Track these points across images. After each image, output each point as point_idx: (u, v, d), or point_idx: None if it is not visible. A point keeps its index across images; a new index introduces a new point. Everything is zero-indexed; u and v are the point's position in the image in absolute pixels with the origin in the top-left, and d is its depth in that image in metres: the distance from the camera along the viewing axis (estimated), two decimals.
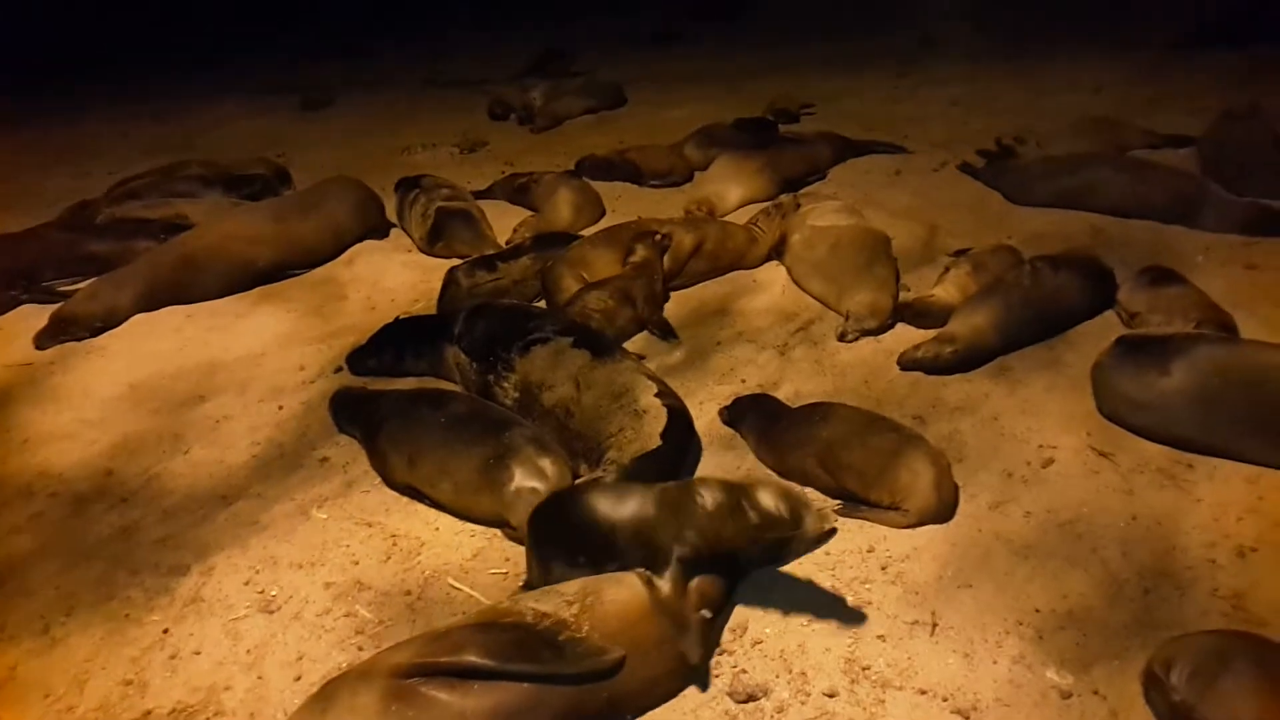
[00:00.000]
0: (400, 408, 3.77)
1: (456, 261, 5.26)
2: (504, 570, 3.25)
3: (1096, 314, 4.35)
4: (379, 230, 6.28)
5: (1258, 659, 2.31)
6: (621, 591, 2.65)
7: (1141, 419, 3.52)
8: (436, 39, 14.94)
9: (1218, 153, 5.67)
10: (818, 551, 2.88)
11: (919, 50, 10.41)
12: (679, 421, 3.59)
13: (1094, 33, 9.79)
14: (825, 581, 3.01)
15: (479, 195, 6.64)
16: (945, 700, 2.56)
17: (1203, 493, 3.24)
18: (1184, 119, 6.61)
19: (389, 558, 3.33)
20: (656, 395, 3.63)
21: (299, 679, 2.83)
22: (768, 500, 2.65)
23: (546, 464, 3.37)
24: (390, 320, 4.75)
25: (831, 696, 2.60)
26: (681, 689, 2.66)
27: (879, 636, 2.80)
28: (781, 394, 4.03)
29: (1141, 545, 3.06)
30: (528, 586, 2.98)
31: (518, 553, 3.31)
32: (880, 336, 4.43)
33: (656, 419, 3.53)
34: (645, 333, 4.70)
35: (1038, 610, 2.84)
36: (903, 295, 4.67)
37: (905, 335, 4.39)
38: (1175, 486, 3.28)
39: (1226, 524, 3.09)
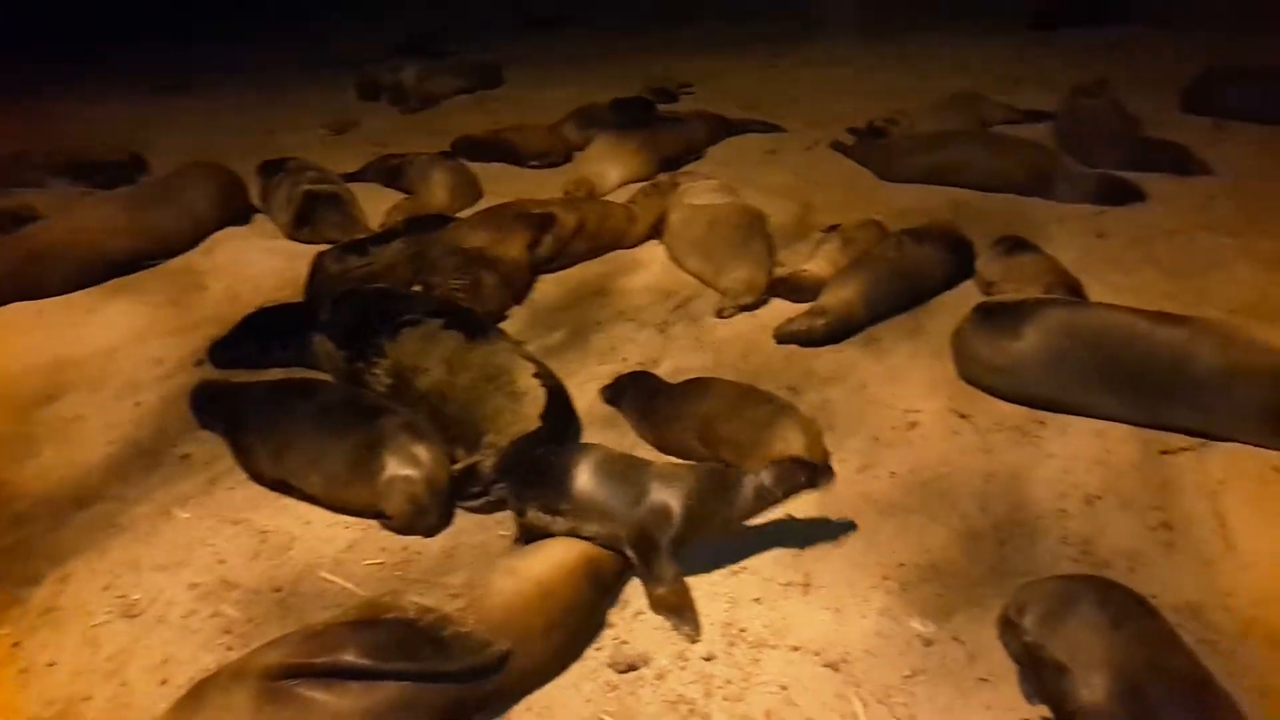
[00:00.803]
0: (265, 399, 3.66)
1: (325, 247, 5.12)
2: (380, 561, 3.20)
3: (957, 283, 4.53)
4: (241, 216, 6.06)
5: (1100, 599, 2.45)
6: (509, 582, 2.65)
7: (997, 381, 3.69)
8: (304, 19, 14.46)
9: (1071, 127, 5.97)
10: None
11: (795, 31, 10.62)
12: (558, 402, 3.59)
13: (960, 15, 10.15)
14: (704, 550, 3.06)
15: (349, 178, 6.48)
16: (817, 655, 2.65)
17: (1054, 448, 3.42)
18: (1042, 96, 6.93)
19: (257, 555, 3.23)
20: (534, 376, 3.62)
21: (164, 683, 2.73)
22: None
23: (421, 451, 3.32)
24: (254, 309, 4.60)
25: (709, 660, 2.66)
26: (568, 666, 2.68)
27: (755, 599, 2.87)
28: (662, 371, 4.08)
29: (998, 499, 3.22)
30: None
31: (394, 543, 3.26)
32: (756, 311, 4.52)
33: (535, 400, 3.52)
34: (525, 313, 4.68)
35: (902, 565, 2.96)
36: (777, 271, 4.78)
37: (780, 309, 4.49)
38: (1029, 443, 3.46)
39: (1076, 475, 3.28)
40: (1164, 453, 3.29)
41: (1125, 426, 3.43)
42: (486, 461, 3.35)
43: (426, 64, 9.46)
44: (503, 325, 4.57)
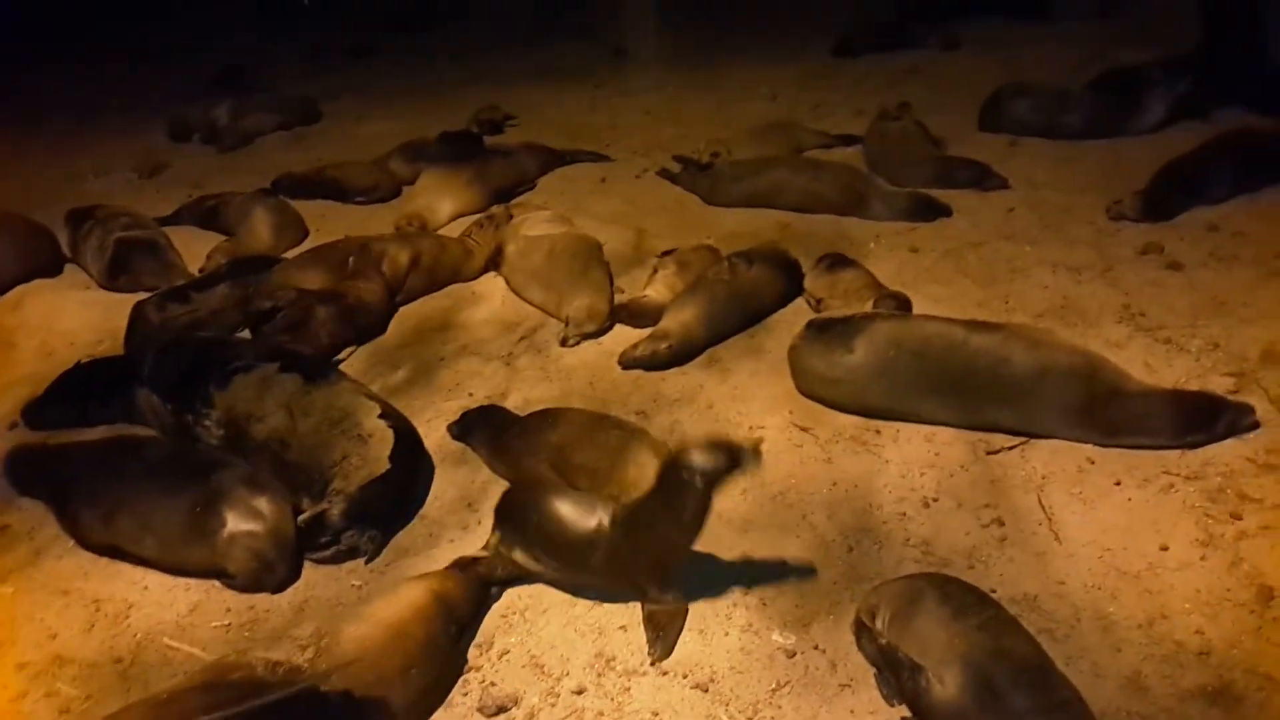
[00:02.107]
0: (90, 461, 3.44)
1: (144, 295, 4.83)
2: (226, 622, 3.04)
3: (788, 302, 4.70)
4: (50, 268, 5.63)
5: (943, 595, 2.59)
6: (359, 628, 2.56)
7: (833, 393, 3.85)
8: (106, 60, 13.60)
9: (879, 149, 6.32)
10: None
11: (613, 62, 10.80)
12: (406, 442, 3.52)
13: (767, 44, 10.58)
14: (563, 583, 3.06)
15: (164, 222, 6.14)
16: (685, 677, 2.69)
17: (890, 454, 3.60)
18: (851, 119, 7.31)
19: (92, 626, 3.01)
20: (380, 417, 3.54)
21: None
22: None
23: (262, 503, 3.19)
24: (71, 366, 4.29)
25: (580, 693, 2.66)
26: (434, 710, 2.61)
27: (621, 628, 2.89)
28: (510, 403, 4.05)
29: (843, 507, 3.36)
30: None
31: (240, 602, 3.11)
32: (601, 339, 4.56)
33: (382, 442, 3.44)
34: (366, 352, 4.56)
35: (760, 579, 3.04)
36: (618, 297, 4.84)
37: (624, 335, 4.54)
38: (867, 451, 3.62)
39: (912, 479, 3.46)
40: (990, 452, 3.52)
41: (953, 430, 3.64)
42: (334, 509, 3.24)
43: (240, 101, 9.07)
44: (343, 367, 4.45)
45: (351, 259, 4.77)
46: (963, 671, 2.35)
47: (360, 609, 2.68)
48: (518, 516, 3.01)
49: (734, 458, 2.70)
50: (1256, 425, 3.37)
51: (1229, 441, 3.35)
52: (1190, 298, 4.32)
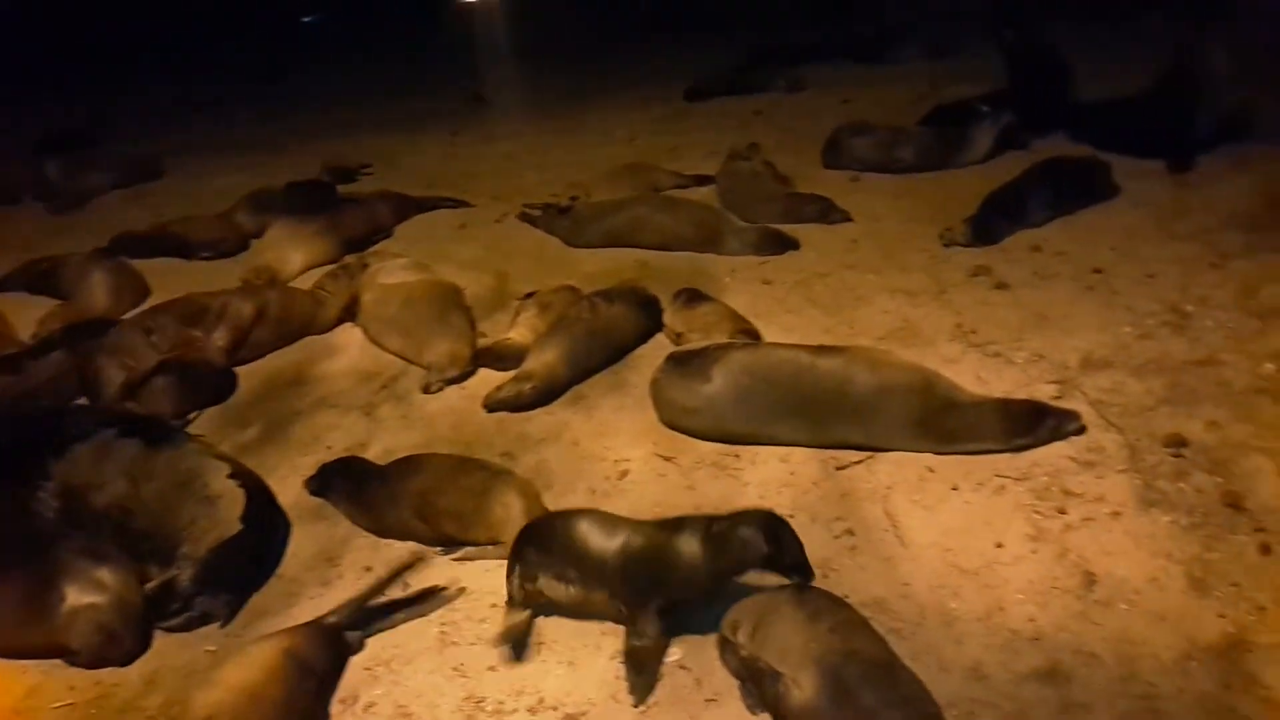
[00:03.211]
0: None
1: None
2: (70, 702, 2.89)
3: (649, 337, 4.81)
4: None
5: (798, 602, 2.70)
6: (210, 694, 2.49)
7: (694, 422, 3.97)
8: None
9: (730, 188, 6.55)
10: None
11: (471, 110, 10.86)
12: (258, 501, 3.44)
13: (624, 90, 10.85)
14: (432, 630, 3.04)
15: None
16: (556, 709, 2.71)
17: (749, 476, 3.72)
18: (704, 160, 7.55)
19: None
20: (230, 477, 3.45)
21: None
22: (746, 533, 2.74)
23: (104, 574, 3.07)
24: None
25: None
26: None
27: (490, 668, 2.89)
28: (372, 454, 4.00)
29: None
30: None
31: (85, 679, 2.96)
32: (464, 383, 4.56)
33: (233, 502, 3.36)
34: (216, 412, 4.43)
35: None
36: (480, 341, 4.85)
37: (488, 379, 4.55)
38: (727, 475, 3.74)
39: (770, 499, 3.57)
40: (839, 468, 3.68)
41: (806, 450, 3.79)
42: (183, 575, 3.14)
43: (73, 157, 8.69)
44: (192, 427, 4.31)
45: (188, 317, 4.62)
46: (817, 673, 2.46)
47: (210, 674, 2.60)
48: (542, 543, 3.01)
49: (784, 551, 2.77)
50: (1082, 429, 3.63)
51: (1054, 444, 3.60)
52: (1016, 314, 4.63)
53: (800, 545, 2.78)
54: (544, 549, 2.99)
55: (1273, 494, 3.24)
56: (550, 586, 2.96)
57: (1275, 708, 2.53)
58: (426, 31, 13.83)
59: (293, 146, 9.39)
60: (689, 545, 2.81)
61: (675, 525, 2.89)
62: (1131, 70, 6.80)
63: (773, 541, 2.75)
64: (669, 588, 2.85)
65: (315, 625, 2.89)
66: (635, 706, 2.72)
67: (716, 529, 2.80)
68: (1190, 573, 2.98)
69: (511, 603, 3.03)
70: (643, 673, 2.79)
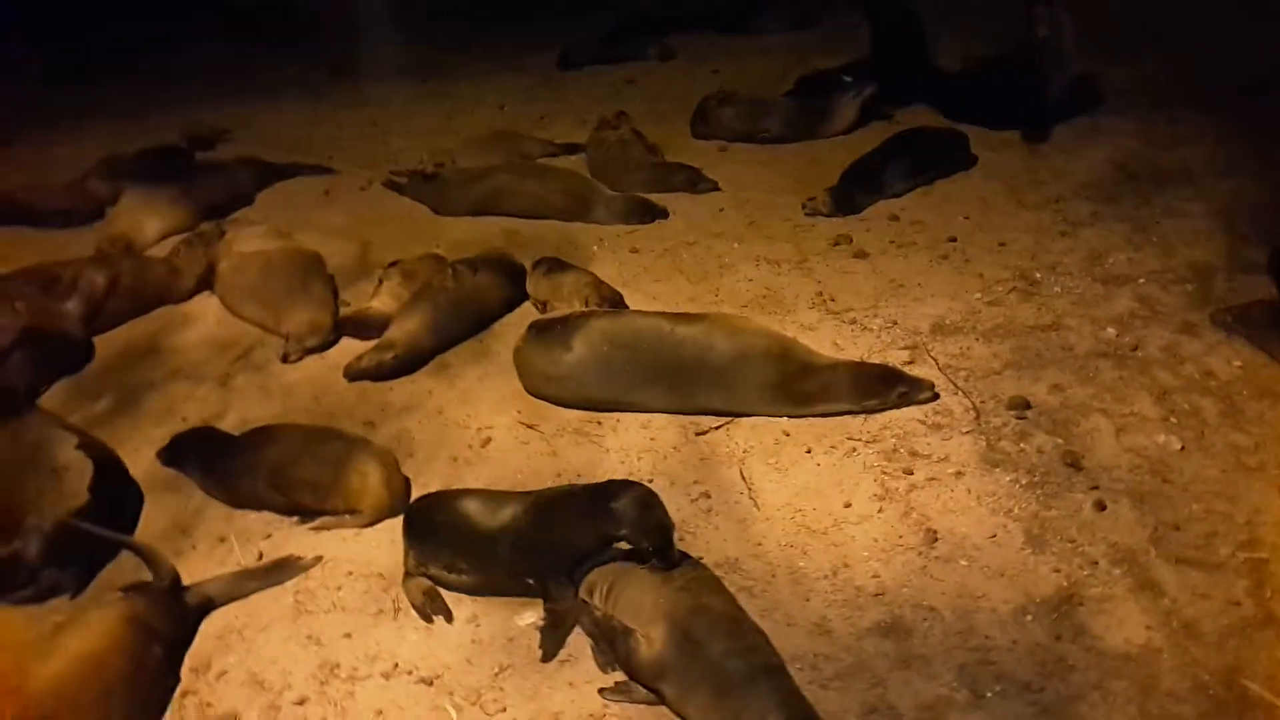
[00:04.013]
0: None
1: None
2: None
3: (516, 306, 4.80)
4: None
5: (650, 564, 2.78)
6: (50, 664, 2.44)
7: (556, 390, 4.00)
8: None
9: (599, 156, 6.56)
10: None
11: (333, 75, 10.49)
12: (108, 472, 3.33)
13: (495, 56, 10.67)
14: (287, 599, 3.01)
15: None
16: (410, 673, 2.73)
17: (610, 443, 3.78)
18: (575, 128, 7.52)
19: None
20: (77, 448, 3.33)
21: None
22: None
23: None
24: None
25: (302, 704, 2.64)
26: None
27: (345, 635, 2.89)
28: (228, 424, 3.91)
29: None
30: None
31: None
32: (325, 353, 4.47)
33: (80, 473, 3.27)
34: (66, 384, 4.26)
35: None
36: (342, 310, 4.76)
37: (350, 348, 4.47)
38: (590, 442, 3.79)
39: (631, 465, 3.65)
40: (699, 434, 3.77)
41: (667, 416, 3.86)
42: (30, 548, 3.04)
43: None
44: (43, 399, 4.14)
45: (38, 288, 4.41)
46: (666, 627, 2.55)
47: (49, 643, 2.52)
48: (427, 530, 3.00)
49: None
50: (935, 396, 3.77)
51: (904, 408, 3.77)
52: (873, 282, 4.80)
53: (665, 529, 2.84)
54: (431, 542, 3.01)
55: (1109, 453, 3.45)
56: (443, 576, 2.99)
57: (1099, 655, 2.70)
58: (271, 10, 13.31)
59: (151, 115, 8.90)
60: (571, 516, 2.89)
61: (553, 498, 3.00)
62: (991, 40, 7.10)
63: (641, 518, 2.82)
64: (567, 554, 2.88)
65: (156, 589, 2.83)
66: (544, 662, 2.78)
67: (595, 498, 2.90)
68: (1029, 529, 3.16)
69: (407, 577, 3.06)
70: (556, 632, 2.85)
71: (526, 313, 4.76)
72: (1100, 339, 4.07)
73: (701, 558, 3.05)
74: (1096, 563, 3.01)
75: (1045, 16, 6.16)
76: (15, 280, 4.59)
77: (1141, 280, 4.42)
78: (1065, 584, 2.95)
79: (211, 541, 3.33)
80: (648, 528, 2.79)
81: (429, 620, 2.93)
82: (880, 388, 3.75)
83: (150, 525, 3.42)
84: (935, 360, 4.07)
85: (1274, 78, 6.35)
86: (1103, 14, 7.52)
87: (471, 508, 3.01)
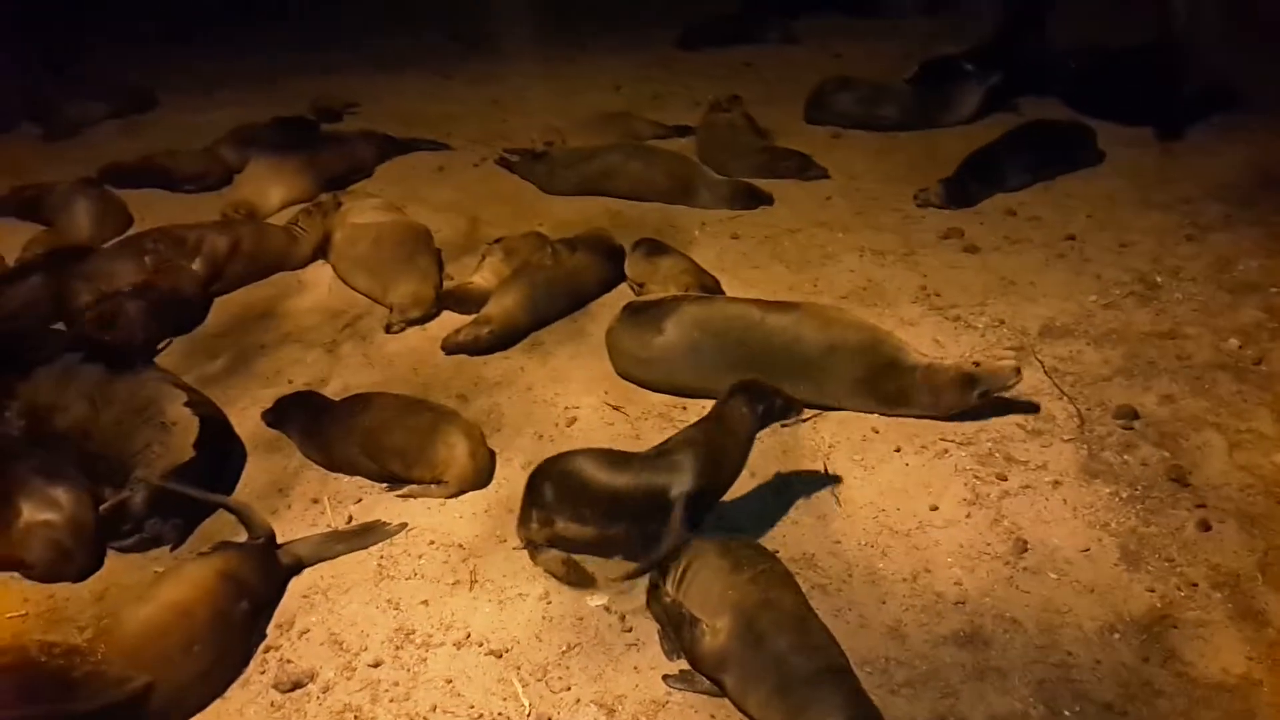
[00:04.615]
0: None
1: None
2: (23, 613, 3.00)
3: (612, 287, 4.83)
4: None
5: (723, 551, 2.77)
6: (141, 609, 2.57)
7: (644, 373, 4.02)
8: None
9: (708, 140, 6.52)
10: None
11: (460, 52, 10.71)
12: (213, 429, 3.51)
13: (615, 34, 10.71)
14: (371, 563, 3.13)
15: None
16: (481, 645, 2.80)
17: None
18: (688, 110, 7.49)
19: None
20: (186, 405, 3.51)
21: None
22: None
23: (59, 493, 3.15)
24: None
25: (376, 666, 2.73)
26: (228, 686, 2.65)
27: (423, 602, 2.97)
28: (330, 390, 4.06)
29: None
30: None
31: (38, 592, 3.07)
32: (426, 325, 4.59)
33: (187, 430, 3.42)
34: (184, 342, 4.51)
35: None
36: (446, 284, 4.88)
37: (451, 321, 4.58)
38: (673, 426, 3.77)
39: None
40: (784, 424, 3.70)
41: None
42: (137, 497, 3.22)
43: (69, 87, 8.63)
44: (161, 356, 4.39)
45: (163, 247, 4.66)
46: (732, 619, 2.54)
47: (144, 590, 2.68)
48: (551, 487, 3.07)
49: (782, 403, 3.04)
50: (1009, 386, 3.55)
51: (1005, 410, 3.63)
52: (982, 278, 4.65)
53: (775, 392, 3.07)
54: (558, 493, 3.05)
55: (1219, 471, 3.28)
56: (569, 529, 3.04)
57: (1189, 682, 2.57)
58: None
59: (284, 83, 9.28)
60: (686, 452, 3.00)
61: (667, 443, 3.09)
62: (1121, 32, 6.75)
63: (757, 398, 3.04)
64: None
65: (251, 546, 2.97)
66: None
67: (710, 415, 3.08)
68: (1125, 545, 3.02)
69: (533, 548, 3.11)
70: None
71: (623, 294, 4.78)
72: (1221, 350, 3.85)
73: (778, 551, 3.03)
74: (1196, 585, 2.87)
75: (1183, 8, 5.83)
76: (147, 239, 4.86)
77: (1273, 290, 4.15)
78: (1159, 605, 2.81)
79: (305, 503, 3.47)
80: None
81: (576, 586, 3.00)
82: (956, 393, 3.57)
83: (251, 483, 3.59)
84: (1041, 363, 3.92)
85: None
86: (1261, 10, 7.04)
87: (594, 463, 3.06)
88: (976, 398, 3.54)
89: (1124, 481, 3.26)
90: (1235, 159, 5.50)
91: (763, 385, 3.11)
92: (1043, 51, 6.95)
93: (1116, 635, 2.73)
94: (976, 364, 3.53)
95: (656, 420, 3.82)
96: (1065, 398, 3.69)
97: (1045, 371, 3.87)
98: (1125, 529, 3.08)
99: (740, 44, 9.63)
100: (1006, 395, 3.59)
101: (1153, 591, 2.86)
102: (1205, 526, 3.06)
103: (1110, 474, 3.31)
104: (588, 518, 3.00)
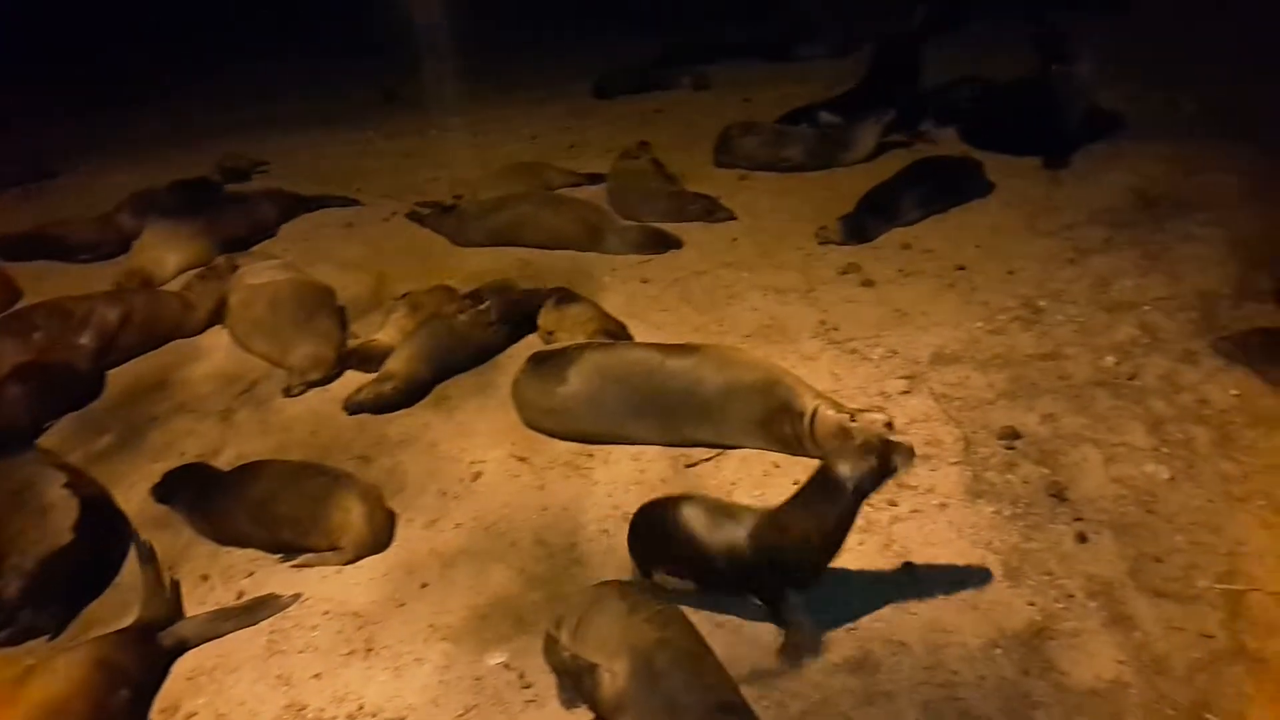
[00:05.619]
0: None
1: None
2: None
3: (522, 338, 4.82)
4: None
5: (620, 594, 2.75)
6: (8, 713, 2.46)
7: (550, 423, 4.01)
8: None
9: (618, 187, 6.59)
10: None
11: (379, 107, 10.70)
12: (94, 511, 3.39)
13: (533, 85, 10.80)
14: (260, 639, 3.04)
15: None
16: (375, 715, 2.72)
17: (600, 475, 3.76)
18: (601, 158, 7.55)
19: None
20: (66, 486, 3.40)
21: None
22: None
23: None
24: None
25: None
26: None
27: (315, 675, 2.89)
28: (223, 460, 3.97)
29: (552, 530, 3.48)
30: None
31: None
32: (328, 386, 4.52)
33: (65, 512, 3.32)
34: (72, 419, 4.37)
35: (464, 610, 3.12)
36: (350, 343, 4.81)
37: (354, 381, 4.51)
38: (579, 475, 3.77)
39: (617, 498, 3.62)
40: (689, 466, 3.74)
41: (657, 448, 3.85)
42: (9, 587, 3.09)
43: None
44: (49, 435, 4.27)
45: (50, 323, 4.54)
46: (630, 660, 2.51)
47: (13, 690, 2.57)
48: (653, 536, 3.00)
49: (885, 462, 2.76)
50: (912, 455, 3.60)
51: (893, 439, 3.68)
52: (878, 311, 4.74)
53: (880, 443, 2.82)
54: (656, 544, 3.00)
55: (1095, 484, 3.38)
56: (666, 580, 2.98)
57: (1065, 691, 2.64)
58: (346, 26, 13.64)
59: (200, 145, 9.14)
60: (798, 518, 2.82)
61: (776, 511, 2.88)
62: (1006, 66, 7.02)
63: (868, 454, 2.77)
64: (792, 570, 2.85)
65: (128, 631, 2.87)
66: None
67: (811, 484, 2.83)
68: (1007, 562, 3.09)
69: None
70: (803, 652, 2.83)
71: (532, 344, 4.77)
72: (1098, 368, 3.97)
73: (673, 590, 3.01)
74: (1072, 596, 2.95)
75: (1063, 43, 6.11)
76: (32, 314, 4.72)
77: (1146, 307, 4.31)
78: (1038, 618, 2.88)
79: (195, 580, 3.36)
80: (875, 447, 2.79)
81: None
82: (836, 444, 3.51)
83: (138, 563, 3.47)
84: (932, 390, 4.01)
85: None
86: (1157, 43, 7.40)
87: (696, 517, 2.93)
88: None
89: (1006, 500, 3.34)
90: (1115, 184, 5.70)
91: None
92: (944, 90, 7.21)
93: (998, 650, 2.79)
94: (853, 418, 3.56)
95: (562, 470, 3.80)
96: (953, 422, 3.77)
97: (934, 398, 3.95)
98: (1008, 546, 3.15)
99: (654, 91, 9.80)
100: (898, 424, 3.63)
101: (1033, 605, 2.93)
102: (1082, 538, 3.15)
103: (993, 493, 3.39)
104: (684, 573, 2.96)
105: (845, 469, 2.74)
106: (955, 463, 3.56)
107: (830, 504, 2.77)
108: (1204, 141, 6.06)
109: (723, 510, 2.94)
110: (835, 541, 2.84)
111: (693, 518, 2.91)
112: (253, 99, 11.39)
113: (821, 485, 2.79)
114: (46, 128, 10.54)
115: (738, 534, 2.84)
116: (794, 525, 2.80)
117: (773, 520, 2.84)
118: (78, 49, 13.09)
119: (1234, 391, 3.70)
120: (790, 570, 2.85)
